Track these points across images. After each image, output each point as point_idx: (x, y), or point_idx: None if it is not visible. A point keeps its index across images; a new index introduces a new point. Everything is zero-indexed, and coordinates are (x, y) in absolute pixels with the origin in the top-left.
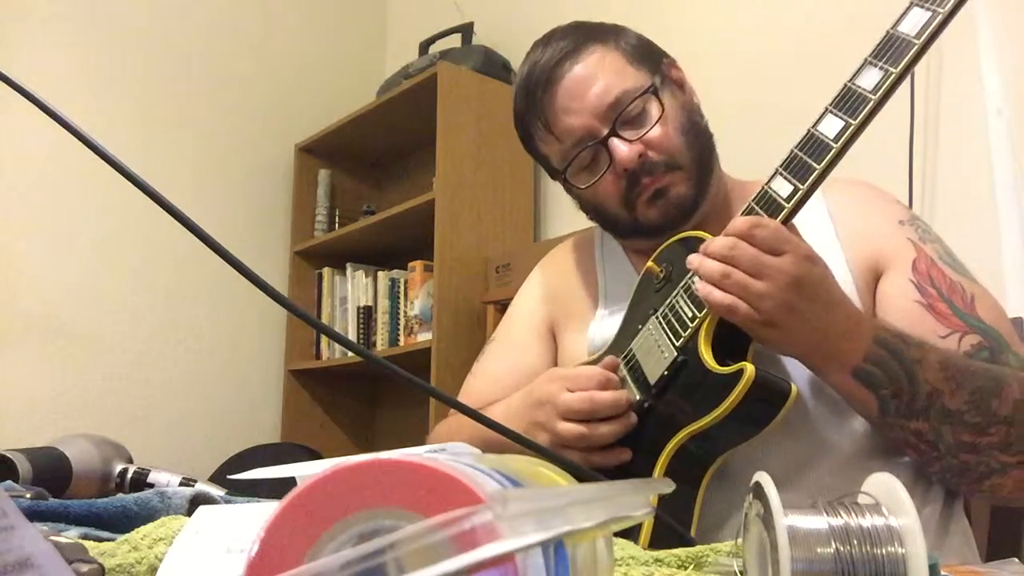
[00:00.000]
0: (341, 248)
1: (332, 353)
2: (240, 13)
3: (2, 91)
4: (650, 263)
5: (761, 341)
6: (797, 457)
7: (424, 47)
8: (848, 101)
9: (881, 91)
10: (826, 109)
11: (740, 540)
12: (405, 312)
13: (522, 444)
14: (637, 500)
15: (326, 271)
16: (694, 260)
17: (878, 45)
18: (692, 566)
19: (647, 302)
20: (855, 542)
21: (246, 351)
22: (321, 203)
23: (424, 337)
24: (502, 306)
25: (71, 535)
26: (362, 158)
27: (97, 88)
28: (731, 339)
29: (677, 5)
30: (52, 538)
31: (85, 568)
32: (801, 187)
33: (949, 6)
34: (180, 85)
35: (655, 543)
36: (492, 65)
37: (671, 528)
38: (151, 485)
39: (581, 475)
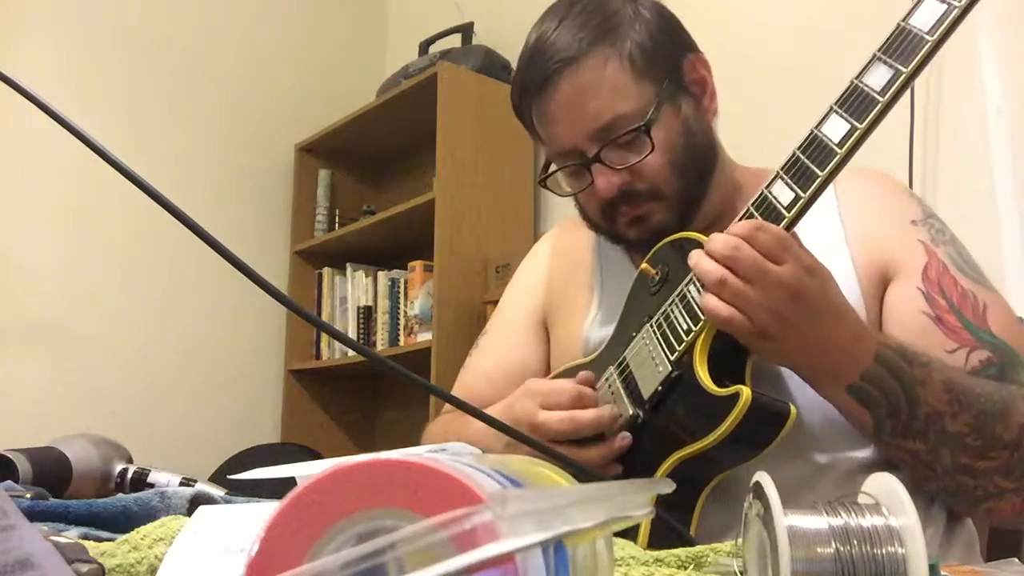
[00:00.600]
0: (341, 248)
1: (332, 353)
2: (240, 13)
3: (2, 91)
4: (645, 264)
5: (754, 351)
6: (799, 473)
7: (424, 47)
8: (855, 101)
9: (890, 93)
10: (831, 108)
11: (740, 540)
12: (405, 312)
13: (524, 443)
14: (637, 500)
15: (326, 271)
16: (694, 257)
17: (888, 39)
18: (692, 566)
19: (642, 306)
20: (855, 542)
21: (246, 351)
22: (321, 203)
23: (424, 337)
24: None
25: (71, 535)
26: (362, 158)
27: (97, 88)
28: (728, 353)
29: None
30: (52, 538)
31: (85, 568)
32: (803, 195)
33: (965, 1)
34: (180, 85)
35: (654, 547)
36: (492, 65)
37: (671, 531)
38: (151, 485)
39: (582, 475)
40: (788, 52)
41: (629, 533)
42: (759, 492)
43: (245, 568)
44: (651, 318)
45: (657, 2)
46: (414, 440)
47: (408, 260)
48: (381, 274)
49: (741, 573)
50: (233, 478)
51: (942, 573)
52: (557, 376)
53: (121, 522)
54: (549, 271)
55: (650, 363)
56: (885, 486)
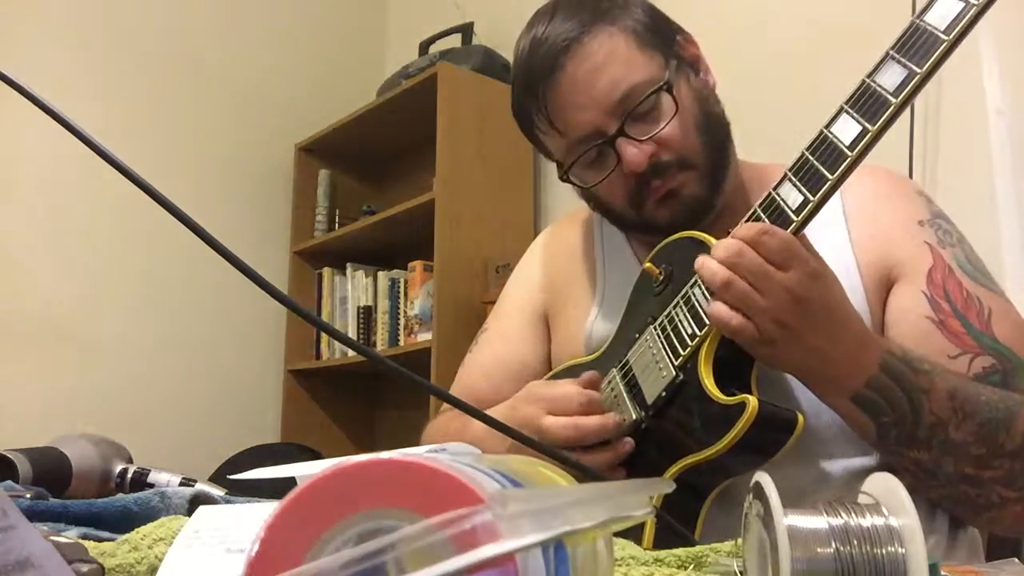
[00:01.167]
0: (341, 248)
1: (332, 353)
2: (240, 13)
3: (2, 91)
4: (648, 264)
5: (758, 358)
6: (804, 480)
7: (424, 47)
8: (867, 101)
9: (904, 95)
10: (841, 108)
11: (740, 540)
12: (405, 312)
13: (524, 443)
14: (637, 500)
15: (326, 271)
16: (699, 260)
17: (902, 36)
18: (692, 566)
19: (645, 307)
20: (855, 542)
21: (246, 351)
22: (321, 203)
23: (424, 337)
24: None
25: (71, 535)
26: (362, 158)
27: (97, 88)
28: (734, 359)
29: None
30: (52, 538)
31: (85, 568)
32: (812, 199)
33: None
34: (180, 85)
35: (658, 548)
36: (492, 65)
37: (675, 535)
38: (151, 485)
39: (583, 476)
40: (796, 46)
41: (633, 537)
42: (759, 492)
43: (245, 568)
44: (655, 320)
45: None
46: (414, 440)
47: (408, 260)
48: (381, 274)
49: (741, 573)
50: (233, 478)
51: (942, 573)
52: (558, 373)
53: (121, 522)
54: (548, 267)
55: (654, 367)
56: (885, 486)
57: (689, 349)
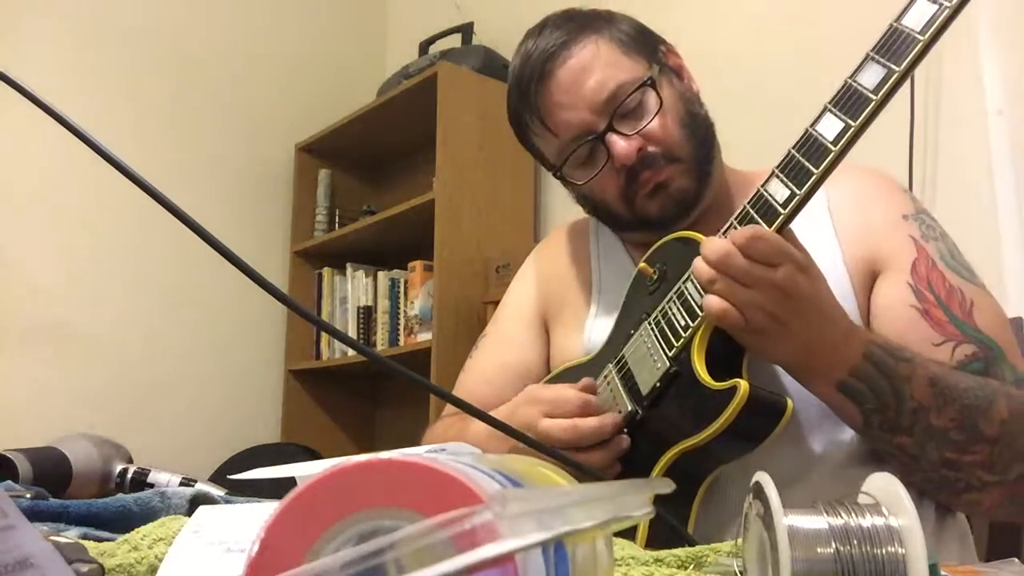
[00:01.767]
0: (341, 248)
1: (332, 353)
2: (240, 13)
3: (3, 91)
4: (642, 264)
5: (747, 347)
6: (793, 465)
7: (424, 47)
8: (848, 100)
9: (883, 91)
10: (825, 107)
11: (740, 540)
12: (405, 312)
13: (524, 443)
14: (637, 500)
15: (326, 271)
16: (696, 262)
17: (881, 39)
18: (692, 566)
19: (640, 305)
20: (855, 542)
21: (246, 351)
22: (321, 203)
23: (424, 337)
24: None
25: (71, 535)
26: (362, 158)
27: (97, 88)
28: (726, 349)
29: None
30: (52, 538)
31: (85, 568)
32: (798, 192)
33: (956, 1)
34: (180, 85)
35: (654, 547)
36: (492, 65)
37: (670, 531)
38: (151, 485)
39: (581, 475)
40: (782, 54)
41: (627, 532)
42: (759, 492)
43: (245, 568)
44: (649, 316)
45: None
46: (414, 440)
47: (408, 260)
48: (381, 274)
49: (741, 573)
50: (233, 478)
51: (942, 573)
52: (555, 376)
53: (121, 522)
54: (546, 273)
55: (648, 360)
56: (885, 486)
57: (683, 340)
